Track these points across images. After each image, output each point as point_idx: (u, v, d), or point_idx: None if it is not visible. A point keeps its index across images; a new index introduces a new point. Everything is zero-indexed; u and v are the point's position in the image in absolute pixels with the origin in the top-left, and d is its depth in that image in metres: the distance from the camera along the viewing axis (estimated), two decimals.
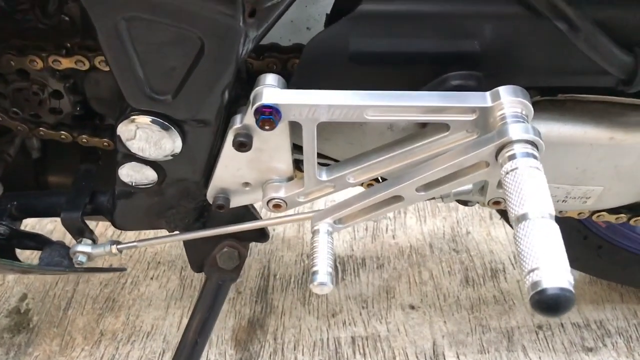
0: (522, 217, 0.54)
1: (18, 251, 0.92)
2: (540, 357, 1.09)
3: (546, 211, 0.53)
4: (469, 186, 0.70)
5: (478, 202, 0.76)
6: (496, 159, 0.60)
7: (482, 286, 1.23)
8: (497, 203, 0.70)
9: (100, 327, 1.18)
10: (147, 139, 0.72)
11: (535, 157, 0.58)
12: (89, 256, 0.84)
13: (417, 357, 1.11)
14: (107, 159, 0.88)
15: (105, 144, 0.82)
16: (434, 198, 0.70)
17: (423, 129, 0.69)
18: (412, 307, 1.20)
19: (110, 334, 1.17)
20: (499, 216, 1.39)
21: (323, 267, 0.66)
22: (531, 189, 0.55)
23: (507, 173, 0.57)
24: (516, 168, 0.57)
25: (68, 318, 1.20)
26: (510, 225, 1.05)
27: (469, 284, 1.24)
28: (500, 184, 0.63)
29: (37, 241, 0.89)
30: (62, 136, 0.81)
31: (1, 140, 0.87)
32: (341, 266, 1.30)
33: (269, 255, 1.33)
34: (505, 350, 1.11)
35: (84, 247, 0.83)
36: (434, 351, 1.12)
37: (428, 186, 0.65)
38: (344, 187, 0.72)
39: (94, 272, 0.94)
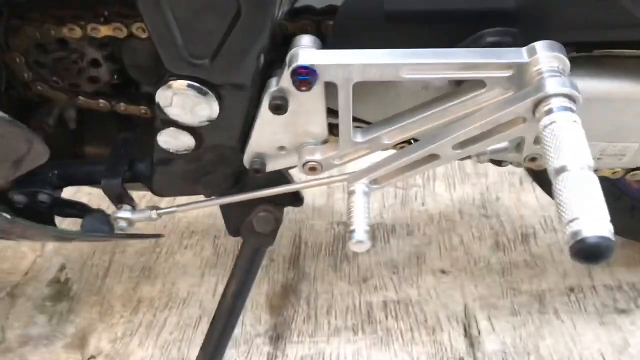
0: (561, 169, 0.54)
1: (58, 221, 0.95)
2: (572, 319, 1.10)
3: (585, 162, 0.54)
4: (505, 143, 0.70)
5: (512, 162, 0.76)
6: (533, 114, 0.60)
7: (512, 250, 1.24)
8: (533, 160, 0.70)
9: (138, 295, 1.21)
10: (184, 105, 0.73)
11: (572, 110, 0.58)
12: (130, 222, 0.86)
13: (448, 320, 1.12)
14: (145, 127, 0.89)
15: (142, 111, 0.83)
16: (469, 157, 0.70)
17: (458, 88, 0.69)
18: (443, 272, 1.21)
19: (147, 301, 1.20)
20: (529, 181, 1.39)
21: (360, 225, 0.68)
22: (569, 142, 0.55)
23: (545, 127, 0.58)
24: (554, 122, 0.57)
25: (106, 286, 1.24)
26: (542, 187, 1.05)
27: (500, 249, 1.25)
28: (537, 140, 0.63)
29: (77, 209, 0.92)
30: (101, 104, 0.83)
31: (41, 110, 0.89)
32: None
33: (299, 224, 1.35)
34: (537, 313, 1.12)
35: (125, 212, 0.85)
36: (465, 314, 1.13)
37: (464, 144, 0.66)
38: (379, 149, 0.73)
39: (132, 238, 0.96)
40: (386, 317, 1.14)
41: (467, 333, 1.10)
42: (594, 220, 0.50)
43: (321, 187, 1.42)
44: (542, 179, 1.00)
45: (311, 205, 1.39)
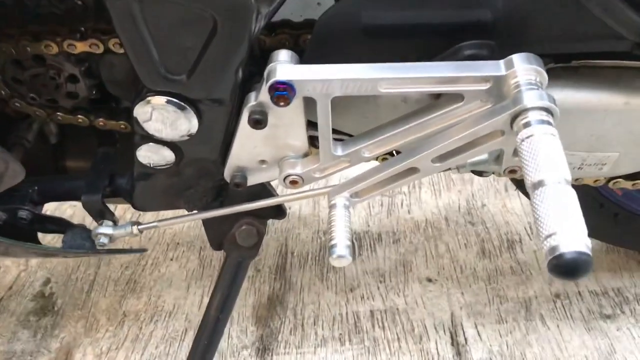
0: (539, 184, 0.54)
1: (40, 236, 0.94)
2: (558, 325, 1.10)
3: (562, 176, 0.54)
4: (485, 156, 0.70)
5: (494, 172, 0.76)
6: (511, 127, 0.60)
7: (498, 257, 1.24)
8: (513, 171, 0.70)
9: (123, 308, 1.20)
10: (163, 119, 0.73)
11: (550, 123, 0.58)
12: (111, 237, 0.85)
13: (435, 328, 1.12)
14: (125, 142, 0.89)
15: (122, 126, 0.83)
16: (449, 169, 0.70)
17: (437, 100, 0.69)
18: (430, 280, 1.21)
19: (133, 314, 1.19)
20: (514, 187, 1.39)
21: (341, 240, 0.67)
22: (547, 155, 0.55)
23: (523, 140, 0.58)
24: (531, 135, 0.57)
25: (91, 300, 1.23)
26: (526, 195, 1.05)
27: (486, 256, 1.25)
28: (515, 152, 0.63)
29: (58, 225, 0.91)
30: (80, 120, 0.82)
31: (19, 126, 0.88)
32: (357, 242, 1.31)
33: (285, 233, 1.34)
34: (524, 320, 1.12)
35: (106, 228, 0.85)
36: (452, 322, 1.13)
37: (444, 157, 0.65)
38: (359, 162, 0.73)
39: (115, 253, 0.95)
40: (373, 326, 1.14)
41: (454, 341, 1.10)
42: (572, 235, 0.50)
43: None
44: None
45: (297, 215, 1.39)
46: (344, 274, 1.24)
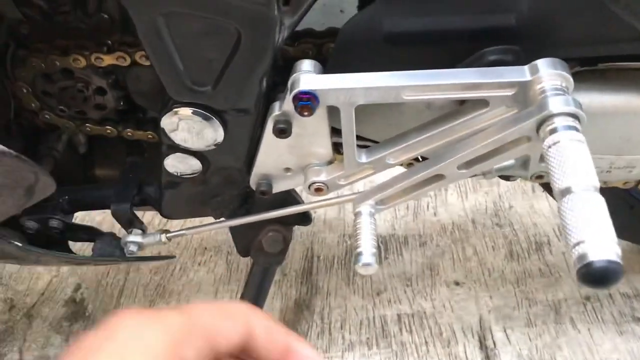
0: (566, 191, 0.54)
1: (71, 243, 0.96)
2: (589, 329, 1.09)
3: (590, 184, 0.53)
4: (511, 161, 0.69)
5: (520, 177, 0.75)
6: (537, 133, 0.60)
7: (526, 260, 1.23)
8: (540, 177, 0.70)
9: None
10: (189, 130, 0.74)
11: (577, 129, 0.57)
12: (140, 245, 0.87)
13: (463, 332, 1.11)
14: (152, 151, 0.90)
15: (149, 136, 0.84)
16: (475, 175, 0.70)
17: (462, 106, 0.69)
18: (457, 284, 1.20)
19: None
20: (541, 189, 1.37)
21: (367, 248, 0.67)
22: (574, 162, 0.55)
23: (549, 147, 0.57)
24: (558, 142, 0.57)
25: (121, 306, 1.25)
26: (555, 198, 1.04)
27: (514, 258, 1.23)
28: (542, 158, 0.63)
29: (89, 233, 0.93)
30: (108, 131, 0.84)
31: (49, 137, 0.90)
32: (384, 245, 1.30)
33: (311, 237, 1.35)
34: (553, 323, 1.10)
35: (135, 237, 0.86)
36: (480, 326, 1.12)
37: (469, 163, 0.65)
38: (383, 169, 0.73)
39: (144, 261, 0.97)
40: (400, 330, 1.13)
41: (482, 345, 1.09)
42: (601, 243, 0.49)
43: None
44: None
45: (322, 218, 1.39)
46: (370, 278, 1.24)
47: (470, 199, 1.38)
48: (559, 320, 1.11)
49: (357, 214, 0.71)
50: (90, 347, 0.36)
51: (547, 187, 1.01)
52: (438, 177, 0.67)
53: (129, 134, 0.84)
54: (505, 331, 1.10)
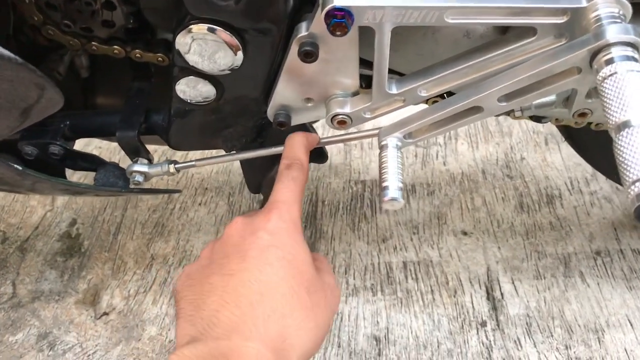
0: (624, 125, 0.50)
1: (68, 174, 0.92)
2: (598, 283, 1.07)
3: None
4: (552, 97, 0.65)
5: (557, 118, 0.71)
6: (590, 65, 0.55)
7: (537, 212, 1.20)
8: (583, 115, 0.65)
9: (151, 252, 1.18)
10: (204, 51, 0.68)
11: (636, 60, 0.53)
12: (146, 176, 0.82)
13: (470, 282, 1.09)
14: (161, 77, 0.85)
15: (159, 59, 0.78)
16: (512, 110, 0.65)
17: (504, 36, 0.64)
18: (465, 233, 1.17)
19: (161, 258, 1.17)
20: (554, 141, 1.34)
21: (393, 182, 0.63)
22: (633, 94, 0.51)
23: (605, 79, 0.53)
24: (615, 73, 0.52)
25: (118, 243, 1.21)
26: (575, 148, 1.00)
27: (524, 210, 1.21)
28: (590, 94, 0.58)
29: (90, 162, 0.88)
30: (115, 51, 0.78)
31: (51, 57, 0.84)
32: None
33: (316, 182, 1.31)
34: (562, 276, 1.08)
35: (141, 166, 0.82)
36: (488, 276, 1.10)
37: (511, 96, 0.61)
38: (414, 101, 0.68)
39: (150, 193, 0.92)
40: (406, 278, 1.11)
41: (489, 296, 1.07)
42: None
43: (338, 145, 1.38)
44: (577, 138, 0.95)
45: (328, 163, 1.35)
46: (376, 225, 1.21)
47: (480, 149, 1.35)
48: (568, 274, 1.09)
49: (382, 147, 0.67)
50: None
51: (571, 136, 0.97)
52: (475, 110, 0.63)
53: (137, 55, 0.78)
54: (513, 283, 1.08)
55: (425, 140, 0.68)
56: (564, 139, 1.16)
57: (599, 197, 1.21)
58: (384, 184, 0.64)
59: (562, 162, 1.30)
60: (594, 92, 0.61)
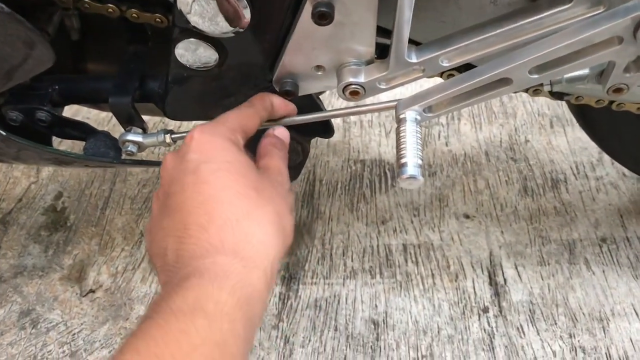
0: None
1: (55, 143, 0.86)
2: (604, 271, 1.04)
3: None
4: (586, 70, 0.61)
5: (581, 95, 0.67)
6: (634, 35, 0.51)
7: (541, 196, 1.17)
8: (618, 90, 0.61)
9: (140, 228, 1.13)
10: (209, 9, 0.63)
11: None
12: (140, 146, 0.77)
13: (472, 266, 1.06)
14: (158, 41, 0.79)
15: (157, 19, 0.73)
16: (542, 84, 0.61)
17: (533, 3, 0.59)
18: (467, 217, 1.14)
19: None
20: (560, 124, 1.30)
21: (412, 159, 0.59)
22: None
23: None
24: None
25: (106, 218, 1.15)
26: (586, 130, 0.96)
27: (528, 194, 1.17)
28: (629, 67, 0.54)
29: (80, 130, 0.82)
30: (109, 9, 0.72)
31: (39, 16, 0.78)
32: (390, 173, 1.23)
33: (314, 160, 1.26)
34: (567, 263, 1.05)
35: (135, 136, 0.76)
36: (490, 261, 1.06)
37: (543, 67, 0.56)
38: (434, 72, 0.64)
39: (142, 165, 0.87)
40: (406, 261, 1.07)
41: (492, 281, 1.03)
42: None
43: (336, 121, 1.33)
44: (591, 119, 0.91)
45: (326, 141, 1.30)
46: (375, 206, 1.17)
47: (484, 130, 1.31)
48: (573, 261, 1.06)
49: (400, 121, 0.62)
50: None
51: (583, 116, 0.93)
52: (503, 82, 0.58)
53: (133, 15, 0.73)
54: (516, 268, 1.05)
55: (446, 114, 0.64)
56: (570, 122, 1.12)
57: (605, 182, 1.18)
58: (402, 160, 0.59)
59: (568, 145, 1.26)
60: (633, 66, 0.57)
